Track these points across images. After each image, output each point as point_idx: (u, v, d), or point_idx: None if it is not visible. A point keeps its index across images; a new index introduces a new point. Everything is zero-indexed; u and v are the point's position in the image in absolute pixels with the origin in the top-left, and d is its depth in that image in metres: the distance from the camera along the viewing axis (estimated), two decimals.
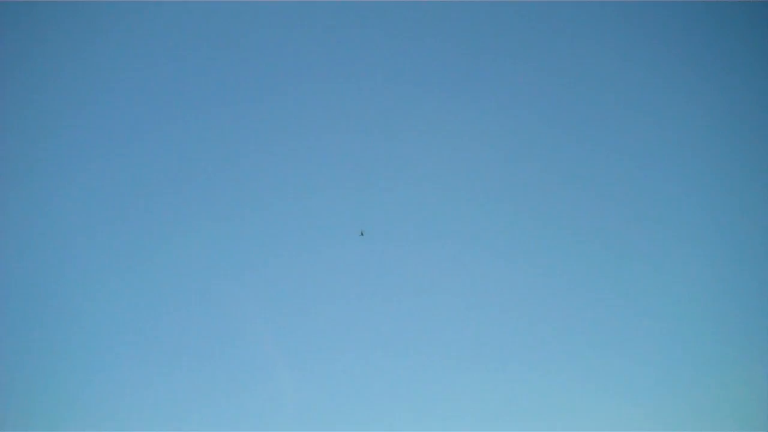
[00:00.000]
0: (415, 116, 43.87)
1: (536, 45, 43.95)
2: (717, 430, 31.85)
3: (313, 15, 44.36)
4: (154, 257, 39.95)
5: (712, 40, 41.65)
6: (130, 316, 37.98)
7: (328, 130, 43.61)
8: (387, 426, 34.51)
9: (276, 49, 44.68)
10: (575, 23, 43.59)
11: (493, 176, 42.53)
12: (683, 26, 42.22)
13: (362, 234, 38.44)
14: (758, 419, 31.54)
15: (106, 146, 42.32)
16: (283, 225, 41.67)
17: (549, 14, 43.56)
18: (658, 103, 42.07)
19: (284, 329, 38.57)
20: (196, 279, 39.54)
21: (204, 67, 44.06)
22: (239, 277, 39.62)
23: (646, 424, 33.39)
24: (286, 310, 39.10)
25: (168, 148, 42.98)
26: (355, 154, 43.15)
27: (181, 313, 38.55)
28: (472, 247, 40.84)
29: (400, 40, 44.58)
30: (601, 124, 42.87)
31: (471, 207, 41.77)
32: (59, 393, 35.06)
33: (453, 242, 40.96)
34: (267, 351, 37.55)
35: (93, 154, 41.94)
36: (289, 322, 38.79)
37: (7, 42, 40.69)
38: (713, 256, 38.01)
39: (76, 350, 36.56)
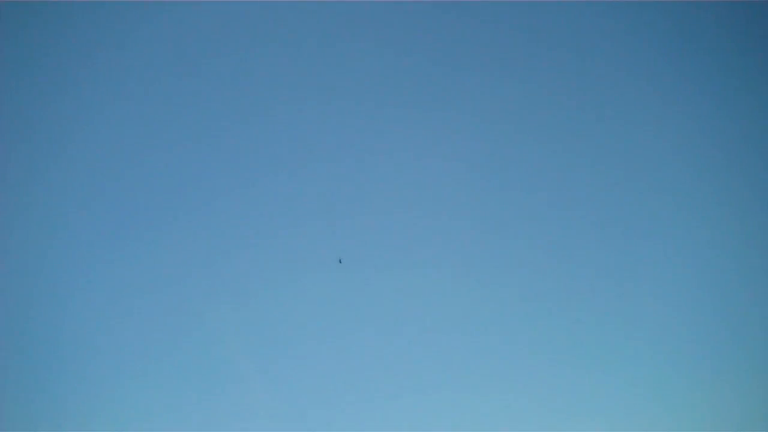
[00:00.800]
0: (407, 120, 44.01)
1: (533, 47, 44.06)
2: (717, 430, 31.73)
3: (306, 17, 44.57)
4: (141, 260, 40.06)
5: (710, 42, 41.73)
6: (113, 316, 38.08)
7: (314, 150, 43.74)
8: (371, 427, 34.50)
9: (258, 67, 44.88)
10: (573, 25, 43.71)
11: (486, 182, 42.58)
12: (681, 28, 42.34)
13: (340, 262, 38.63)
14: (758, 419, 31.42)
15: (102, 146, 42.57)
16: (270, 244, 41.72)
17: (546, 16, 43.70)
18: (655, 106, 42.12)
19: (266, 337, 38.63)
20: (182, 283, 39.63)
21: (192, 78, 44.30)
22: (222, 289, 39.61)
23: (645, 424, 33.33)
24: (269, 321, 39.17)
25: (153, 156, 43.10)
26: (338, 176, 43.25)
27: (164, 318, 38.58)
28: (466, 250, 40.90)
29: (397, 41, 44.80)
30: (595, 127, 42.91)
31: (465, 211, 41.77)
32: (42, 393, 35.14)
33: (445, 247, 41.02)
34: (245, 357, 37.56)
35: (89, 154, 42.17)
36: (273, 331, 38.90)
37: (7, 42, 40.91)
38: (711, 257, 38.03)
39: (51, 349, 36.71)
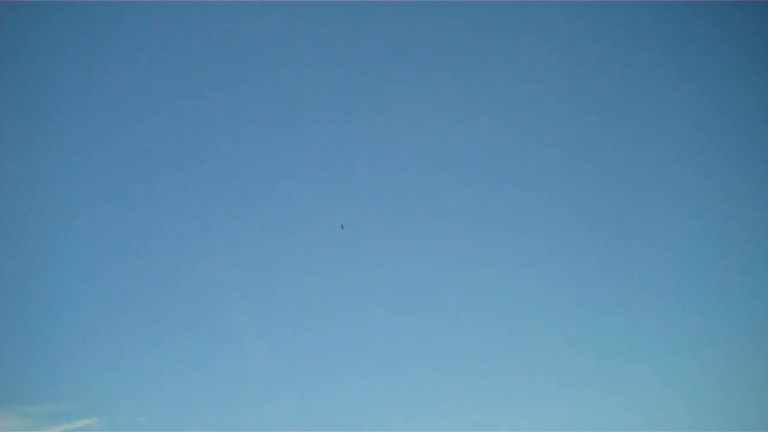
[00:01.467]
0: (406, 113, 44.00)
1: (533, 47, 44.05)
2: (717, 430, 32.02)
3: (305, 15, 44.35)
4: (143, 253, 40.15)
5: (710, 45, 41.83)
6: (120, 308, 38.18)
7: (318, 127, 43.72)
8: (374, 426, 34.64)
9: (260, 53, 44.67)
10: (573, 25, 43.71)
11: (489, 174, 42.65)
12: (681, 29, 42.40)
13: (342, 227, 38.24)
14: (758, 419, 31.73)
15: (102, 146, 42.56)
16: (270, 220, 41.78)
17: (547, 16, 43.64)
18: (656, 107, 42.27)
19: (271, 324, 38.65)
20: (185, 273, 39.70)
21: (190, 71, 44.11)
22: (229, 274, 39.64)
23: (645, 424, 33.60)
24: (274, 304, 39.16)
25: (153, 144, 43.07)
26: (345, 151, 43.27)
27: (169, 306, 38.72)
28: (468, 245, 40.96)
29: (395, 41, 44.65)
30: (599, 124, 43.06)
31: (465, 206, 41.86)
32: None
33: (445, 239, 41.09)
34: (255, 347, 37.57)
35: (90, 154, 42.15)
36: (277, 319, 38.90)
37: (7, 42, 40.64)
38: (711, 260, 38.32)
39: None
